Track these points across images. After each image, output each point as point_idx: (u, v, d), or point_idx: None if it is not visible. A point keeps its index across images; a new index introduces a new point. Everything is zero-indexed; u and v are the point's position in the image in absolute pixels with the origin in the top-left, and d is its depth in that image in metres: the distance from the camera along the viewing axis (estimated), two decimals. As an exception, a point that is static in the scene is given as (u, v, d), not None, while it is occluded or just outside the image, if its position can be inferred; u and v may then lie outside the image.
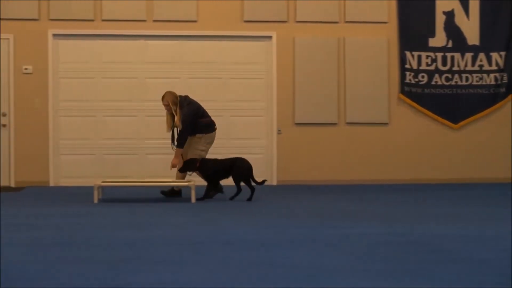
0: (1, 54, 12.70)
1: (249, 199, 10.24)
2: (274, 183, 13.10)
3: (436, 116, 13.16)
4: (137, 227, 7.80)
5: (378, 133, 13.22)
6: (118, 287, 4.66)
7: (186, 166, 10.23)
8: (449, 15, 13.10)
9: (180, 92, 12.66)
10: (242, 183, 10.22)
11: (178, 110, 10.31)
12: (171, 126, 10.55)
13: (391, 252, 6.05)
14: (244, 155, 12.69)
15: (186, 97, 10.64)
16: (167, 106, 10.36)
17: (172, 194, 10.72)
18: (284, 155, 13.14)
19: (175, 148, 10.48)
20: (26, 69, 12.72)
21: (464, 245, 6.41)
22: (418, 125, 13.25)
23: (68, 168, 12.99)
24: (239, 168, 10.25)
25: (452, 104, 13.16)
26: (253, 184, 10.23)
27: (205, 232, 7.48)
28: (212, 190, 10.48)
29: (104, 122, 12.88)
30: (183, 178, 10.56)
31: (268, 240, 6.82)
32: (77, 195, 11.16)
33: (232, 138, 13.08)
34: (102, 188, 10.63)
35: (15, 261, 5.59)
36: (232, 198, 10.26)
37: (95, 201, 10.12)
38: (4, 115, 12.71)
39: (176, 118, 10.37)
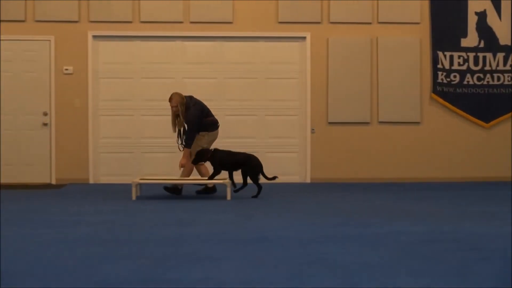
0: (42, 55, 12.69)
1: (255, 196, 10.22)
2: (308, 181, 13.00)
3: (468, 115, 12.95)
4: (175, 224, 7.84)
5: (410, 132, 13.04)
6: (158, 283, 4.71)
7: (198, 157, 10.21)
8: (481, 15, 12.88)
9: (217, 91, 12.83)
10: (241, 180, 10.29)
11: (185, 111, 10.34)
12: (177, 126, 10.61)
13: (429, 250, 6.02)
14: (278, 154, 12.93)
15: (192, 97, 10.64)
16: (175, 107, 10.38)
17: (174, 191, 10.66)
18: (317, 154, 12.99)
19: (182, 148, 10.53)
20: (66, 69, 12.66)
21: (502, 244, 6.26)
22: (450, 124, 13.05)
23: (107, 165, 12.96)
24: (251, 165, 10.24)
25: (483, 104, 12.93)
26: (263, 180, 10.27)
27: (241, 229, 7.55)
28: (215, 177, 10.28)
29: (142, 121, 12.84)
30: (191, 171, 10.60)
31: (304, 237, 6.83)
32: (116, 192, 11.15)
33: (266, 136, 13.06)
34: (140, 186, 10.69)
35: (56, 257, 5.71)
36: (255, 196, 10.25)
37: (133, 198, 10.20)
38: (46, 114, 12.69)
39: (180, 118, 10.44)
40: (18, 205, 9.64)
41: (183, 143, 10.45)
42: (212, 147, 10.50)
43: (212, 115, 10.74)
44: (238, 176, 10.37)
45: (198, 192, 10.77)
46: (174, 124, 10.60)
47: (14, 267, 5.25)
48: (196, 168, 10.59)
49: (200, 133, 10.49)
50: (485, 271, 5.04)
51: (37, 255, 5.85)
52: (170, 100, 10.44)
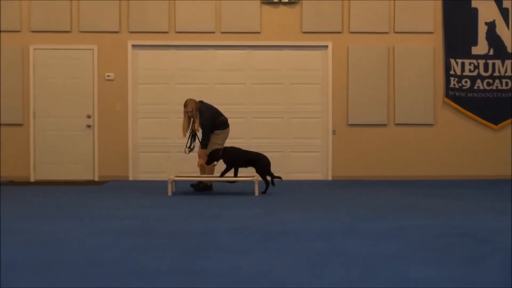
0: (86, 63, 12.83)
1: (264, 192, 10.28)
2: (330, 178, 12.97)
3: (478, 118, 12.88)
4: (208, 217, 7.89)
5: (424, 133, 13.00)
6: (189, 272, 4.84)
7: (211, 158, 10.29)
8: (491, 25, 12.83)
9: (245, 96, 12.88)
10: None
11: (198, 115, 10.44)
12: (188, 130, 10.70)
13: (441, 243, 6.07)
14: (302, 153, 12.91)
15: (202, 102, 10.72)
16: (190, 112, 10.46)
17: (201, 189, 10.80)
18: (338, 153, 12.97)
19: (188, 151, 10.77)
20: (108, 76, 12.80)
21: (510, 238, 6.25)
22: (461, 126, 12.99)
23: (145, 164, 13.02)
24: (261, 164, 10.30)
25: (493, 107, 12.85)
26: (269, 178, 10.26)
27: (269, 222, 7.55)
28: (226, 173, 10.38)
29: (177, 123, 12.28)
30: (211, 171, 10.71)
31: (325, 231, 6.90)
32: (153, 188, 11.20)
33: (291, 137, 13.06)
34: (175, 182, 10.69)
35: (98, 248, 5.83)
36: (264, 192, 10.32)
37: (169, 193, 10.30)
38: (89, 117, 12.82)
39: (196, 123, 10.49)
40: (64, 200, 9.75)
41: (200, 144, 10.59)
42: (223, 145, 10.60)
43: (222, 115, 10.81)
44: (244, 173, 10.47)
45: (192, 185, 10.83)
46: (186, 128, 10.65)
47: (60, 257, 5.39)
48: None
49: (215, 131, 10.60)
50: (493, 263, 5.07)
51: (81, 246, 5.96)
52: (186, 106, 10.49)
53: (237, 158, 10.30)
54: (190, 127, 10.69)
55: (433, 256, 5.47)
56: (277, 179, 10.41)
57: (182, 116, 10.81)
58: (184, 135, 10.75)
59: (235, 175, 10.38)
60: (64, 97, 12.92)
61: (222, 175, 10.31)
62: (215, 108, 10.83)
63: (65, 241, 6.27)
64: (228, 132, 10.86)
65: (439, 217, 7.85)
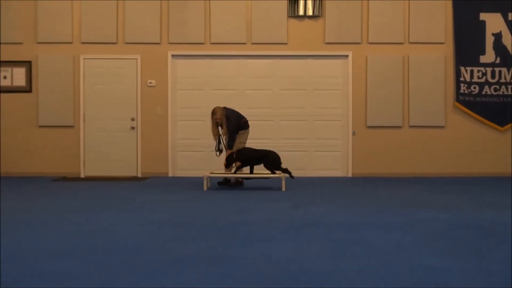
0: (130, 71, 12.92)
1: (292, 177, 10.47)
2: (350, 175, 12.95)
3: (485, 120, 12.79)
4: (240, 210, 7.96)
5: (436, 135, 12.93)
6: (223, 259, 4.89)
7: (229, 162, 10.46)
8: (497, 36, 12.75)
9: (273, 101, 12.98)
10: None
11: (226, 121, 10.51)
12: (217, 135, 10.79)
13: (452, 235, 6.09)
14: (324, 152, 12.95)
15: (227, 108, 10.81)
16: (219, 119, 10.53)
17: (234, 184, 10.92)
18: (357, 153, 12.95)
19: (219, 154, 10.89)
20: (150, 83, 12.88)
21: None
22: (470, 128, 12.91)
23: (183, 162, 13.07)
24: (269, 159, 10.37)
25: (499, 111, 12.76)
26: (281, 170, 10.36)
27: (296, 215, 7.60)
28: (232, 179, 10.72)
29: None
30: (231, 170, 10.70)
31: (345, 223, 6.97)
32: (190, 184, 11.24)
33: (314, 138, 13.05)
34: (210, 179, 10.74)
35: (141, 237, 5.88)
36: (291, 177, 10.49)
37: (205, 189, 10.36)
38: (133, 119, 12.91)
39: (224, 127, 10.57)
40: (110, 194, 9.87)
41: (227, 146, 10.70)
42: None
43: (244, 117, 10.87)
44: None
45: (219, 183, 10.91)
46: (216, 133, 10.76)
47: (106, 245, 5.48)
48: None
49: (239, 132, 10.69)
50: (501, 254, 5.07)
51: (126, 235, 6.05)
52: (214, 113, 10.57)
53: (249, 157, 10.43)
54: (218, 132, 10.79)
55: (443, 247, 5.50)
56: (287, 175, 10.47)
57: (214, 136, 10.93)
58: (215, 139, 10.85)
59: (251, 171, 10.56)
60: (110, 102, 13.03)
61: (236, 172, 10.50)
62: (237, 112, 10.92)
63: (111, 230, 6.38)
64: (249, 131, 10.97)
65: (450, 211, 7.82)
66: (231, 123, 10.58)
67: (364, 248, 5.39)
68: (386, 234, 6.15)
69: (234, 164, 10.56)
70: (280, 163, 10.44)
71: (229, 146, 10.66)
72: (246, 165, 10.51)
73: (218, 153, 10.89)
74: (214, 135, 10.82)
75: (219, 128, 10.74)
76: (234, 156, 10.41)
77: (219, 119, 10.57)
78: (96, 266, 4.70)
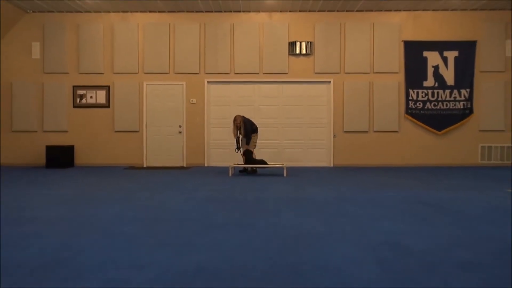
0: (178, 93, 12.91)
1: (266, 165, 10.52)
2: (332, 165, 12.87)
3: (427, 127, 12.73)
4: (255, 190, 7.97)
5: (392, 137, 12.88)
6: (245, 225, 4.89)
7: (247, 157, 10.57)
8: (436, 67, 12.69)
9: (279, 113, 12.90)
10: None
11: (243, 126, 10.58)
12: (236, 136, 10.73)
13: (407, 208, 6.04)
14: (315, 149, 12.89)
15: (244, 116, 10.85)
16: (239, 123, 10.60)
17: (251, 172, 10.87)
18: (337, 149, 12.87)
19: (237, 151, 10.92)
20: (192, 101, 12.90)
21: (452, 204, 6.26)
22: (416, 132, 12.84)
23: (215, 156, 13.05)
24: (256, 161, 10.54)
25: (437, 120, 12.71)
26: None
27: (296, 193, 7.54)
28: (249, 169, 10.79)
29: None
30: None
31: (331, 198, 6.88)
32: (220, 172, 11.27)
33: (308, 139, 12.97)
34: (234, 168, 10.76)
35: (188, 210, 5.94)
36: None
37: (230, 175, 10.36)
38: (180, 126, 12.93)
39: (242, 130, 10.59)
40: (164, 179, 9.84)
41: (238, 146, 10.77)
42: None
43: (255, 124, 10.92)
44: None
45: (240, 171, 10.97)
46: (235, 133, 10.76)
47: (163, 215, 5.47)
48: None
49: (252, 135, 10.70)
50: (444, 221, 5.09)
51: (177, 207, 6.08)
52: (235, 120, 10.67)
53: (251, 158, 10.59)
54: (237, 134, 10.79)
55: (399, 216, 5.50)
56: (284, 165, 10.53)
57: (234, 135, 11.01)
58: (235, 138, 10.89)
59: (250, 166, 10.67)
60: (164, 114, 13.03)
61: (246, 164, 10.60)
62: (251, 120, 10.98)
63: (166, 205, 6.39)
64: (259, 134, 11.06)
65: (404, 190, 7.82)
66: (246, 127, 10.64)
67: (344, 216, 5.40)
68: (359, 206, 6.16)
69: (243, 158, 10.68)
70: (258, 163, 10.59)
71: (246, 142, 10.70)
72: (248, 162, 10.57)
73: (236, 150, 10.88)
74: (234, 134, 10.82)
75: (238, 130, 10.76)
76: (243, 154, 10.62)
77: (239, 124, 10.64)
78: (158, 228, 4.76)
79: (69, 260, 3.61)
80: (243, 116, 10.81)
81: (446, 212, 5.66)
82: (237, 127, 10.73)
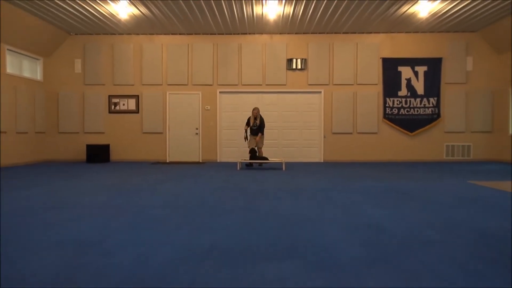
0: (195, 101, 12.88)
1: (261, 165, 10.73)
2: (322, 161, 12.88)
3: (401, 129, 12.71)
4: (259, 181, 7.91)
5: (372, 137, 12.84)
6: (251, 208, 4.88)
7: (252, 154, 10.54)
8: (408, 80, 12.65)
9: (279, 118, 12.85)
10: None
11: (259, 116, 10.65)
12: (248, 127, 10.72)
13: (384, 196, 6.03)
14: (308, 147, 12.82)
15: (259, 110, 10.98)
16: (256, 113, 10.62)
17: (251, 165, 10.84)
18: (327, 148, 12.86)
19: (245, 140, 10.78)
20: (207, 108, 12.89)
21: (422, 193, 6.24)
22: (392, 133, 12.81)
23: (226, 153, 13.04)
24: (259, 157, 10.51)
25: (409, 123, 12.66)
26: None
27: (293, 183, 7.48)
28: (253, 163, 10.78)
29: (243, 132, 12.87)
30: (261, 154, 10.76)
31: (322, 188, 6.82)
32: (230, 166, 11.24)
33: (302, 139, 12.96)
34: (241, 163, 10.91)
35: (204, 196, 5.85)
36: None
37: (238, 169, 10.35)
38: (197, 129, 12.93)
39: (257, 121, 10.58)
40: (184, 171, 9.81)
41: (254, 133, 10.73)
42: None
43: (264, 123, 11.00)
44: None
45: (247, 165, 10.88)
46: (248, 123, 10.73)
47: (184, 202, 5.43)
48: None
49: (259, 134, 10.68)
50: (411, 206, 5.07)
51: (196, 195, 6.03)
52: (255, 109, 10.68)
53: (254, 155, 10.57)
54: (250, 124, 10.74)
55: (379, 202, 5.47)
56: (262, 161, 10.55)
57: (245, 129, 10.94)
58: (247, 127, 10.78)
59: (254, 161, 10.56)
60: (183, 119, 13.03)
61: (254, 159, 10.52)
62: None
63: (188, 192, 6.38)
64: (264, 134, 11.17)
65: (382, 181, 7.77)
66: (262, 118, 10.72)
67: (333, 203, 5.37)
68: (346, 195, 6.12)
69: (249, 153, 10.63)
70: (259, 159, 10.50)
71: (255, 133, 10.66)
72: (252, 159, 10.52)
73: (245, 139, 10.84)
74: (251, 121, 10.72)
75: (251, 122, 10.70)
76: (249, 152, 10.56)
77: (256, 113, 10.63)
78: (180, 213, 4.75)
79: (105, 239, 3.62)
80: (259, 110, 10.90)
81: (417, 199, 5.64)
82: (254, 117, 10.66)
